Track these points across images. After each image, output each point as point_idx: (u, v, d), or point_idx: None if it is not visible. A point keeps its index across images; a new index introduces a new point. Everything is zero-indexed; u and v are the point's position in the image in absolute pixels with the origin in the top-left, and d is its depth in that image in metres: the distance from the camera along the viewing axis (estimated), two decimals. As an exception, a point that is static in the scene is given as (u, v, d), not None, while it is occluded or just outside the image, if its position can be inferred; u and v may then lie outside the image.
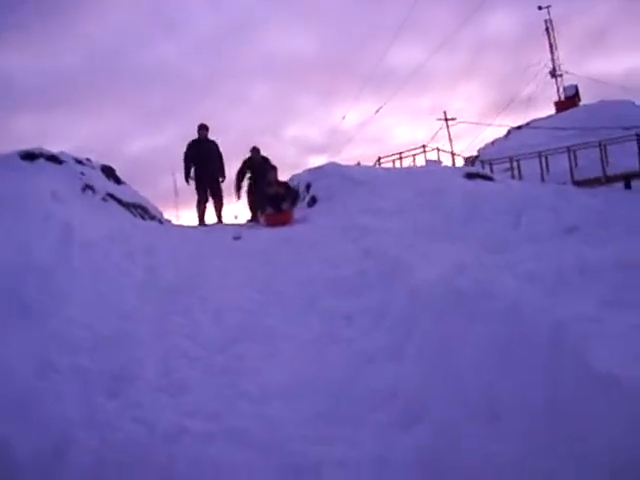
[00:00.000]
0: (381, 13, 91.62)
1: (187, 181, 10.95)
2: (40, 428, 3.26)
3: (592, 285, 3.84)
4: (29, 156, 8.56)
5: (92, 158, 9.90)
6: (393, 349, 3.98)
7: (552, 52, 36.30)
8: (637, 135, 17.72)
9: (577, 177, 17.65)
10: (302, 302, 5.23)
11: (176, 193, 26.38)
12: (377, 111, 41.08)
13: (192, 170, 10.85)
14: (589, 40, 78.95)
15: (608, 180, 17.49)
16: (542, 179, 17.91)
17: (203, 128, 11.01)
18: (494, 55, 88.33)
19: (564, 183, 13.99)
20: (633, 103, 28.06)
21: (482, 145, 31.64)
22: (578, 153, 19.27)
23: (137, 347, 4.32)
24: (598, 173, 17.70)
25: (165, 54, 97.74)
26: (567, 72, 36.08)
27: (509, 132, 31.76)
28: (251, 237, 8.21)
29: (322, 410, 3.46)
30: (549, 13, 35.96)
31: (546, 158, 19.83)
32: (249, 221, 11.21)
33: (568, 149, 18.93)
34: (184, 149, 10.92)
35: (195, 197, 11.04)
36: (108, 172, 9.88)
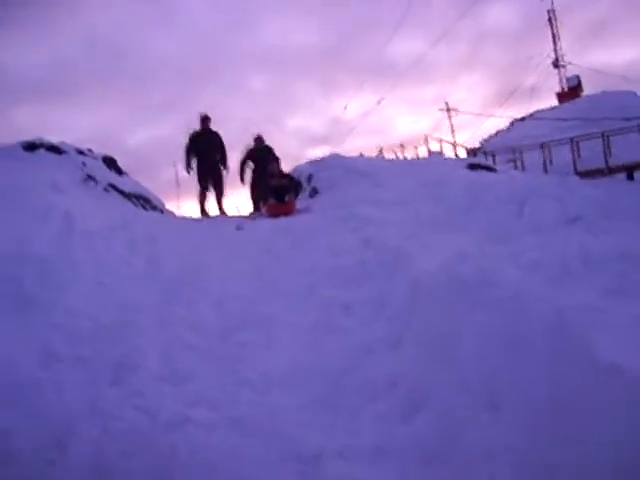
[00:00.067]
0: (382, 3, 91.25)
1: (187, 172, 10.95)
2: (42, 418, 3.27)
3: (595, 275, 3.82)
4: (30, 146, 8.54)
5: (93, 149, 9.88)
6: (393, 339, 3.98)
7: (555, 42, 36.09)
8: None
9: (580, 168, 17.56)
10: (302, 291, 5.23)
11: (177, 184, 26.39)
12: (379, 102, 41.05)
13: (193, 161, 10.84)
14: (591, 31, 78.60)
15: (611, 171, 17.40)
16: (545, 170, 17.86)
17: (205, 119, 10.98)
18: (496, 45, 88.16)
19: (567, 174, 13.93)
20: (635, 94, 27.91)
21: (485, 136, 31.58)
22: (581, 144, 19.17)
23: (139, 337, 4.32)
24: (601, 164, 17.62)
25: (166, 45, 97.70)
26: (570, 63, 35.91)
27: (512, 123, 31.64)
28: (253, 227, 8.20)
29: (321, 399, 3.47)
30: (552, 3, 35.73)
31: (549, 149, 19.76)
32: (251, 213, 11.19)
33: (571, 140, 18.86)
34: (186, 140, 10.91)
35: (197, 188, 11.04)
36: (109, 163, 9.85)
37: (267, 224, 8.32)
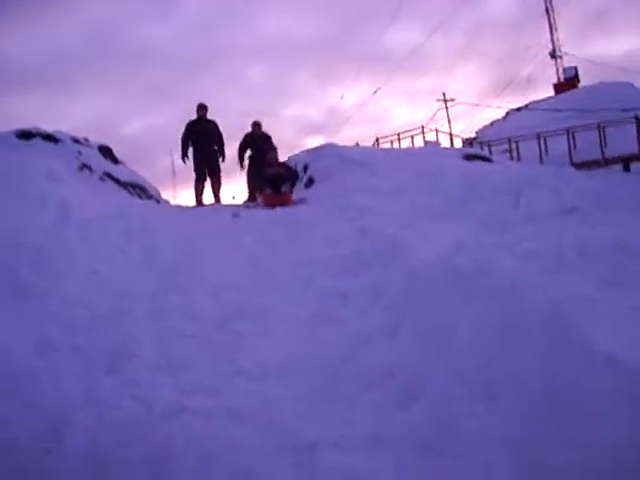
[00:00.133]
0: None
1: (184, 161, 10.91)
2: (38, 407, 3.26)
3: (591, 266, 3.83)
4: (25, 135, 8.52)
5: (89, 138, 9.84)
6: (389, 328, 3.98)
7: (552, 33, 36.03)
8: (636, 117, 17.63)
9: (576, 159, 17.58)
10: (299, 282, 5.23)
11: (174, 173, 26.28)
12: (375, 92, 40.56)
13: (189, 150, 10.80)
14: (589, 21, 78.42)
15: (607, 162, 17.43)
16: (541, 161, 17.86)
17: (202, 108, 10.95)
18: (493, 36, 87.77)
19: (563, 165, 13.94)
20: (632, 85, 27.92)
21: (481, 126, 31.55)
22: (577, 135, 19.19)
23: (135, 325, 4.31)
24: (597, 155, 17.64)
25: (162, 33, 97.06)
26: (567, 53, 35.87)
27: (508, 113, 31.60)
28: (249, 217, 8.19)
29: (318, 389, 3.47)
30: (549, -7, 35.59)
31: (545, 140, 19.76)
32: (246, 201, 11.18)
33: (567, 131, 18.86)
34: (183, 129, 10.87)
35: (193, 177, 11.00)
36: (105, 152, 9.83)
37: (263, 214, 8.31)
